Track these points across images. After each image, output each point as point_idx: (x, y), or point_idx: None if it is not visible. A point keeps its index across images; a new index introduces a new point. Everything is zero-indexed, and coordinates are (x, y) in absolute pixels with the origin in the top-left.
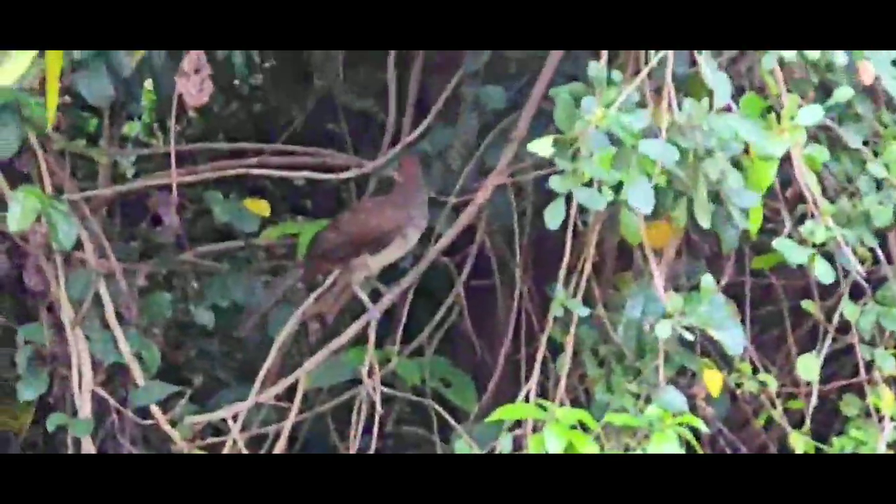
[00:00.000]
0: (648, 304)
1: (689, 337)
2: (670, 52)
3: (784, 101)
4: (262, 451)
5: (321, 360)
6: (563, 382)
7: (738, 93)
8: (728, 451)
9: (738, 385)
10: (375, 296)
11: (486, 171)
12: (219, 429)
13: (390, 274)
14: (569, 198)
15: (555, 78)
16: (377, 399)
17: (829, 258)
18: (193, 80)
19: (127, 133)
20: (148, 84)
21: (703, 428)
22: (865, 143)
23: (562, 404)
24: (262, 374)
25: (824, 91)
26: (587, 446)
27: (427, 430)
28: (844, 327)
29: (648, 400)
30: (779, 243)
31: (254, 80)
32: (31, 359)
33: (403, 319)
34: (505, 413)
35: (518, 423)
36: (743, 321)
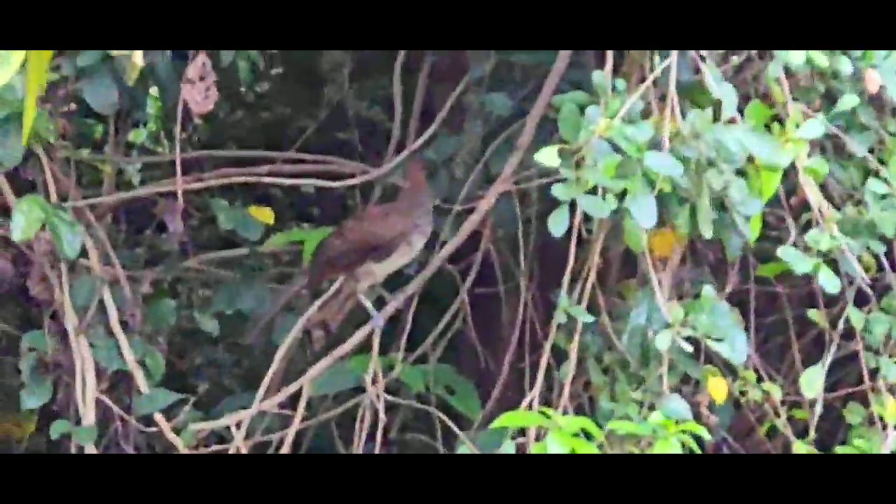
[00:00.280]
0: (653, 312)
1: (689, 349)
2: (674, 60)
3: (790, 110)
4: None
5: (325, 368)
6: (566, 390)
7: (743, 100)
8: None
9: (742, 393)
10: (380, 303)
11: (491, 178)
12: (223, 436)
13: (395, 281)
14: (573, 205)
15: (560, 85)
16: (381, 406)
17: (833, 266)
18: (198, 87)
19: (132, 140)
20: (153, 91)
21: (707, 436)
22: (871, 151)
23: (565, 412)
24: (265, 381)
25: (830, 99)
26: None
27: (431, 438)
28: (849, 334)
29: (652, 408)
30: (784, 252)
31: (259, 87)
32: (34, 366)
33: (408, 327)
34: (508, 420)
35: (522, 431)
36: (747, 329)
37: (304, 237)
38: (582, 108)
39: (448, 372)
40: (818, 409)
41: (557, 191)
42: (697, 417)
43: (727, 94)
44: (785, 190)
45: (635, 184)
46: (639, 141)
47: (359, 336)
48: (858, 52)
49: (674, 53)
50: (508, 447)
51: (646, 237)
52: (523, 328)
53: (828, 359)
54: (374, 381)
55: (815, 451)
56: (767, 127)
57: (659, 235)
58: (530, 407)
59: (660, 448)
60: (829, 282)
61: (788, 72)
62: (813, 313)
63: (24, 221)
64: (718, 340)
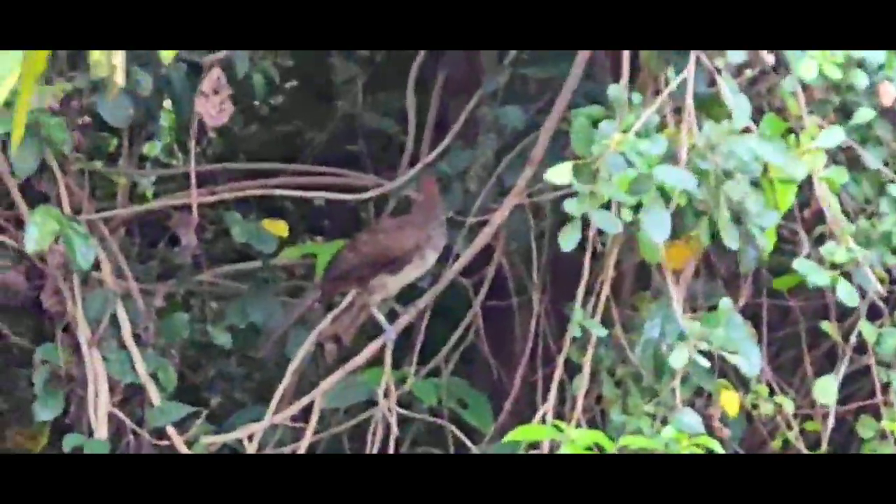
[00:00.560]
0: (666, 325)
1: (707, 364)
2: (691, 72)
3: (805, 123)
4: None
5: (337, 381)
6: (579, 403)
7: (756, 113)
8: None
9: (755, 406)
10: (392, 316)
11: (505, 191)
12: (235, 449)
13: (408, 294)
14: (586, 218)
15: (574, 99)
16: (393, 420)
17: (847, 279)
18: (213, 100)
19: (146, 153)
20: (167, 104)
21: (719, 449)
22: (886, 164)
23: (578, 425)
24: (277, 394)
25: (844, 112)
26: None
27: (443, 451)
28: (862, 348)
29: (665, 421)
30: (799, 264)
31: (273, 100)
32: (47, 379)
33: (420, 340)
34: (521, 434)
35: (534, 445)
36: (760, 342)
37: (317, 250)
38: (595, 122)
39: (460, 385)
40: (830, 421)
41: (570, 206)
42: (710, 431)
43: (742, 105)
44: (798, 203)
45: (650, 197)
46: (652, 155)
47: (371, 349)
48: (874, 65)
49: (691, 65)
50: None
51: (662, 249)
52: (536, 341)
53: (840, 372)
54: (386, 395)
55: None
56: (783, 140)
57: (673, 248)
58: (543, 420)
59: None
60: (847, 294)
61: (803, 85)
62: (826, 326)
63: (38, 233)
64: (733, 353)
